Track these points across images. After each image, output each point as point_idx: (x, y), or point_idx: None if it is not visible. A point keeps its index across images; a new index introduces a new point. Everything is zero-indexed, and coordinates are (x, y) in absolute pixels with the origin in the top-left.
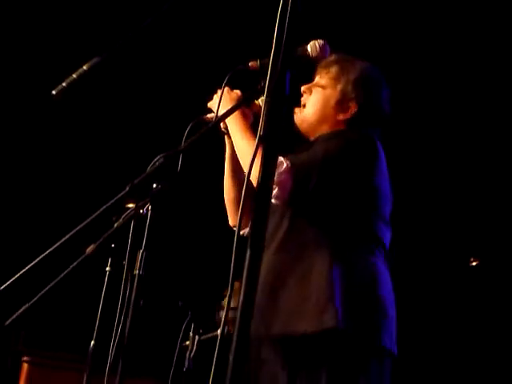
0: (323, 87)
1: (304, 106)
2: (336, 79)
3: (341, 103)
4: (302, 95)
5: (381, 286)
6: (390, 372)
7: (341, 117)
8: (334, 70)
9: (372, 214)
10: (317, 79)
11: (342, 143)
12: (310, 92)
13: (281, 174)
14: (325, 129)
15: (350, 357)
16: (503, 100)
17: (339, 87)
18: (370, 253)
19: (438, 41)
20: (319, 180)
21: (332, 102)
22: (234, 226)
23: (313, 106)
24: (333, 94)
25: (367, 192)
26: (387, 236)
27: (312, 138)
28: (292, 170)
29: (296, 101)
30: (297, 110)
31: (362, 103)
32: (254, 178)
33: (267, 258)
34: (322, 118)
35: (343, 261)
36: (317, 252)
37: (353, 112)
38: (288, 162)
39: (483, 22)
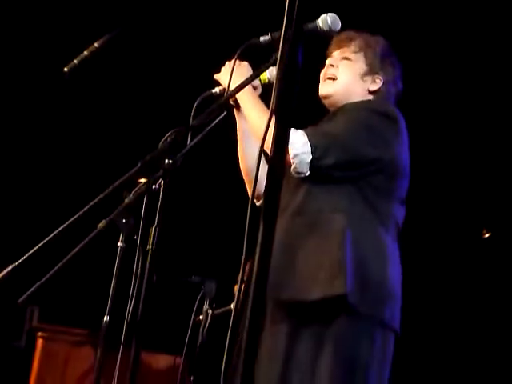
0: (350, 60)
1: (333, 79)
2: (362, 52)
3: (369, 75)
4: (322, 67)
5: (390, 264)
6: (394, 349)
7: (370, 88)
8: (357, 43)
9: (389, 190)
10: (339, 52)
11: (366, 117)
12: (337, 65)
13: (299, 147)
14: (354, 100)
15: (354, 327)
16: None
17: (366, 60)
18: (384, 228)
19: (435, 39)
20: (340, 155)
21: (361, 74)
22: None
23: (345, 78)
24: (361, 66)
25: (387, 168)
26: (401, 213)
27: (334, 110)
28: (312, 143)
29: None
30: (327, 82)
31: (387, 77)
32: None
33: (284, 222)
34: (353, 90)
35: (356, 232)
36: (332, 219)
37: (380, 84)
38: (307, 136)
39: (481, 22)
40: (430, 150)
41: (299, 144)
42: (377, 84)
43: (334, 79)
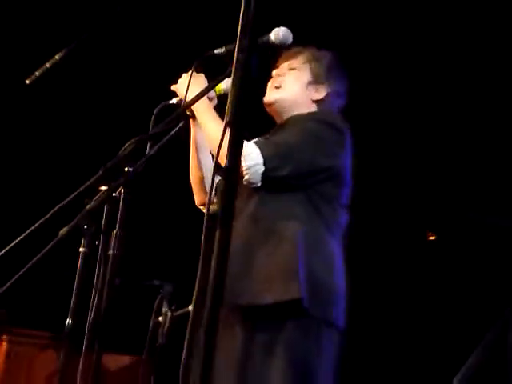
0: (296, 70)
1: (278, 87)
2: (308, 63)
3: (313, 85)
4: (270, 77)
5: (336, 268)
6: (340, 347)
7: (313, 98)
8: (305, 55)
9: (335, 197)
10: (287, 64)
11: (314, 128)
12: (284, 74)
13: (252, 159)
14: (298, 110)
15: (305, 329)
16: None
17: (312, 71)
18: (330, 232)
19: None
20: (293, 166)
21: (306, 83)
22: (200, 205)
23: (290, 86)
24: (306, 76)
25: (335, 177)
26: (345, 219)
27: (280, 120)
28: (263, 155)
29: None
30: (272, 91)
31: (332, 88)
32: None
33: (238, 229)
34: (298, 99)
35: (307, 238)
36: (285, 226)
37: (323, 94)
38: (259, 148)
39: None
40: (374, 155)
41: (252, 155)
42: (320, 94)
43: (279, 87)
